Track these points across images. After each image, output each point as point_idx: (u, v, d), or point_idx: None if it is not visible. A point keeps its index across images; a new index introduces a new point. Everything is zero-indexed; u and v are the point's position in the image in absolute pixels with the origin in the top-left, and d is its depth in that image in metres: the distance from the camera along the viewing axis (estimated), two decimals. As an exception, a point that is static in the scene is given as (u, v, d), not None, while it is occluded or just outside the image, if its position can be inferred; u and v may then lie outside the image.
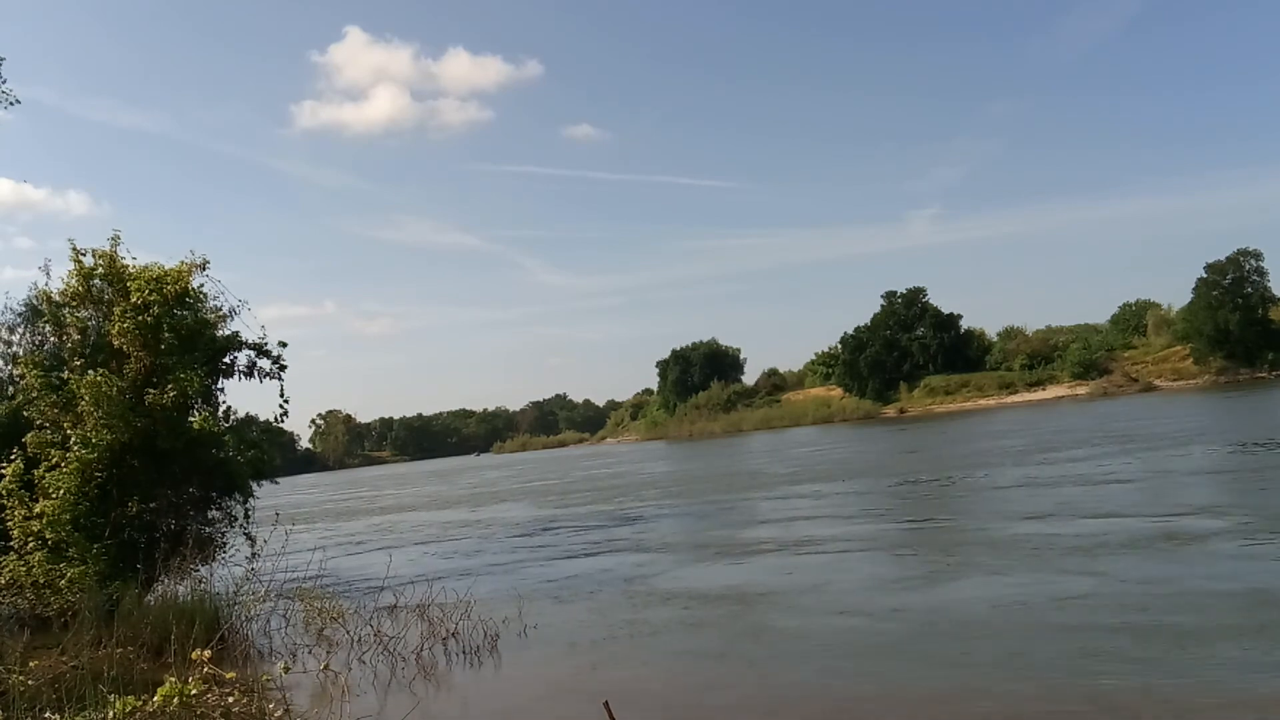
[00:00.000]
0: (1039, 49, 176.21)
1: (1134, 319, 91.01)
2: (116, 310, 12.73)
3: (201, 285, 13.39)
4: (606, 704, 5.42)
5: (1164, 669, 7.62)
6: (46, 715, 6.21)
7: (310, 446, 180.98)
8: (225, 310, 13.70)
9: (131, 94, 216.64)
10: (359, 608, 12.19)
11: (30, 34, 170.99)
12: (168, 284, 12.80)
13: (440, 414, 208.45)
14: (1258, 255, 79.72)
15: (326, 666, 9.43)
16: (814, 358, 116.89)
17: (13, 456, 12.26)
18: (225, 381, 13.91)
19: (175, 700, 5.86)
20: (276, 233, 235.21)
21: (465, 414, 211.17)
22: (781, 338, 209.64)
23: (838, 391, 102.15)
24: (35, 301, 13.79)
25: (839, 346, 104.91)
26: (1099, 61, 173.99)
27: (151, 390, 12.54)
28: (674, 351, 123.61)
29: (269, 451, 14.29)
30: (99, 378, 12.18)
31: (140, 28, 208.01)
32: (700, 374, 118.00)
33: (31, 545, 11.84)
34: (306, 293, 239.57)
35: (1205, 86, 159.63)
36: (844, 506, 21.73)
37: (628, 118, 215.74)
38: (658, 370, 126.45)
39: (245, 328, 13.89)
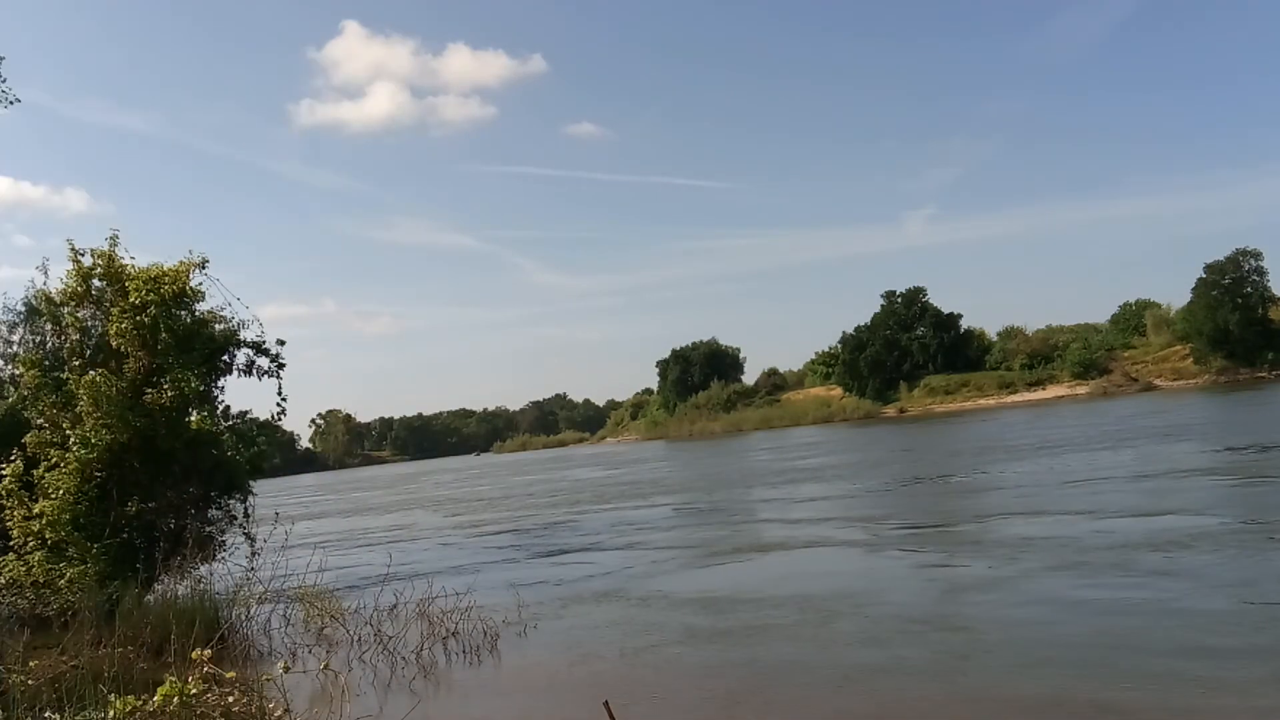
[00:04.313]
0: (1033, 48, 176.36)
1: (1134, 319, 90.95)
2: (115, 310, 12.73)
3: (200, 284, 13.39)
4: (607, 704, 5.42)
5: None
6: (47, 715, 6.20)
7: (310, 446, 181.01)
8: (226, 311, 13.69)
9: (126, 94, 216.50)
10: (359, 606, 12.20)
11: (24, 34, 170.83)
12: (165, 284, 12.80)
13: (440, 414, 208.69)
14: (1257, 255, 79.73)
15: (326, 666, 9.42)
16: (814, 357, 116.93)
17: (12, 457, 12.26)
18: (224, 380, 13.92)
19: (175, 700, 5.85)
20: (275, 232, 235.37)
21: (465, 414, 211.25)
22: (781, 337, 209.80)
23: (838, 391, 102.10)
24: (34, 301, 13.79)
25: (839, 346, 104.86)
26: (1094, 60, 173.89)
27: (150, 390, 12.54)
28: (674, 351, 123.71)
29: (268, 450, 14.29)
30: (98, 378, 12.19)
31: (133, 26, 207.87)
32: (700, 374, 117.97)
33: (31, 545, 11.85)
34: (305, 292, 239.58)
35: (1202, 84, 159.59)
36: (849, 507, 21.73)
37: (628, 116, 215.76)
38: (658, 370, 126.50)
39: (244, 326, 13.90)
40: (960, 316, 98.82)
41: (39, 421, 12.58)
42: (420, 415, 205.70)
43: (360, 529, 30.36)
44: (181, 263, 13.13)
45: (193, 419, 13.06)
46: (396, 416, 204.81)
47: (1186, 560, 11.64)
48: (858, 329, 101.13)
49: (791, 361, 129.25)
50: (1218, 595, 9.78)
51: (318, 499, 55.76)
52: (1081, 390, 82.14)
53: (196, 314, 13.32)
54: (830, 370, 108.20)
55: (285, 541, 12.75)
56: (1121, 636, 8.59)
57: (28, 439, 12.38)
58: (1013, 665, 8.15)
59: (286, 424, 14.74)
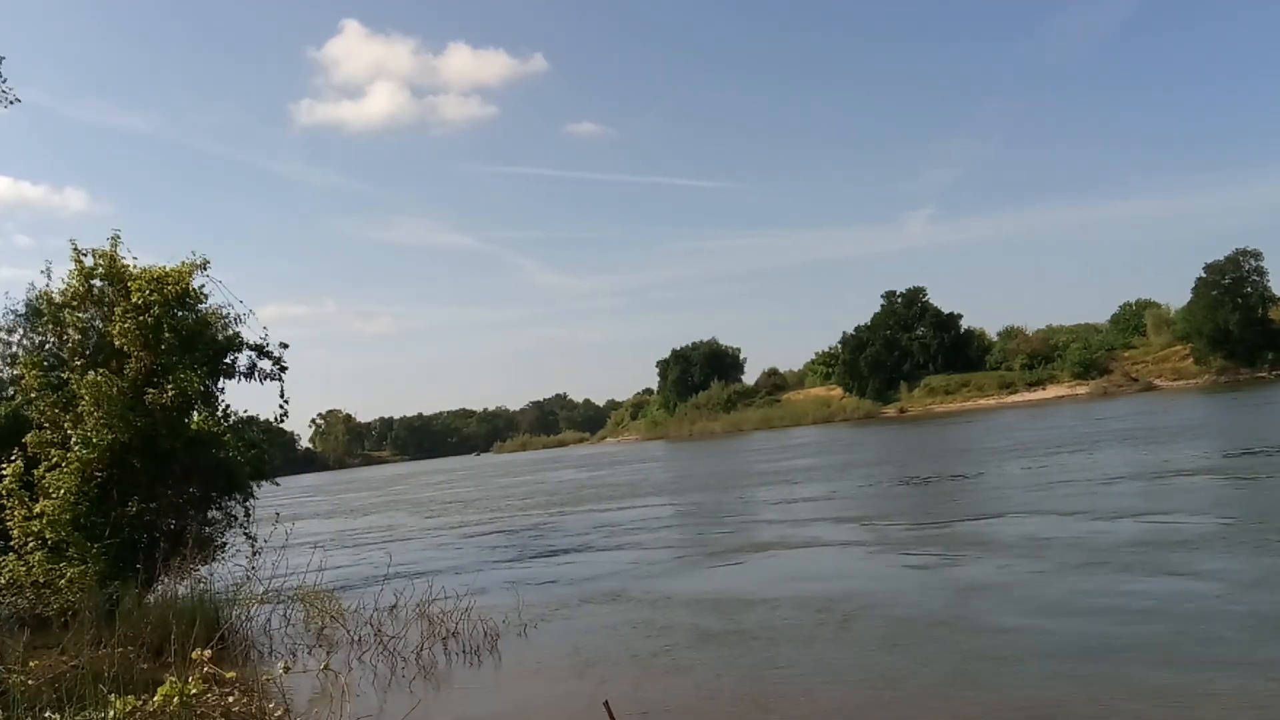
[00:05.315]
0: (1034, 48, 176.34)
1: (1134, 319, 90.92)
2: (117, 310, 12.72)
3: (203, 285, 13.39)
4: (607, 704, 5.42)
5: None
6: (47, 715, 6.20)
7: (310, 446, 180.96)
8: (228, 313, 13.68)
9: (126, 94, 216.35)
10: (359, 607, 12.19)
11: (24, 34, 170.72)
12: (168, 284, 12.81)
13: (441, 414, 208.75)
14: (1257, 255, 79.78)
15: (326, 666, 9.43)
16: (814, 357, 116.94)
17: (13, 456, 12.25)
18: (226, 382, 13.91)
19: (175, 700, 5.86)
20: (276, 232, 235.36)
21: (466, 414, 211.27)
22: (782, 338, 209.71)
23: (838, 391, 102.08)
24: (36, 302, 13.79)
25: (839, 346, 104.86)
26: (1095, 60, 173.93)
27: (151, 390, 12.53)
28: (674, 351, 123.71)
29: (269, 451, 14.28)
30: (99, 378, 12.18)
31: (133, 26, 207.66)
32: (700, 374, 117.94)
33: (31, 545, 11.83)
34: (305, 292, 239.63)
35: (1202, 85, 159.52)
36: (853, 507, 21.72)
37: (629, 115, 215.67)
38: (658, 370, 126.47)
39: (246, 328, 13.90)
40: (960, 317, 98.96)
41: (40, 421, 12.58)
42: (420, 415, 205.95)
43: (348, 530, 30.35)
44: (184, 263, 13.14)
45: (194, 419, 13.05)
46: (397, 416, 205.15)
47: (1195, 562, 11.61)
48: (858, 329, 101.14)
49: (792, 361, 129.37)
50: (1228, 597, 9.73)
51: (308, 500, 55.63)
52: (1082, 390, 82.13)
53: (199, 314, 13.32)
54: (830, 370, 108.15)
55: (286, 541, 12.75)
56: (1135, 639, 8.57)
57: (28, 439, 12.37)
58: (1035, 669, 8.07)
59: (287, 424, 14.73)
